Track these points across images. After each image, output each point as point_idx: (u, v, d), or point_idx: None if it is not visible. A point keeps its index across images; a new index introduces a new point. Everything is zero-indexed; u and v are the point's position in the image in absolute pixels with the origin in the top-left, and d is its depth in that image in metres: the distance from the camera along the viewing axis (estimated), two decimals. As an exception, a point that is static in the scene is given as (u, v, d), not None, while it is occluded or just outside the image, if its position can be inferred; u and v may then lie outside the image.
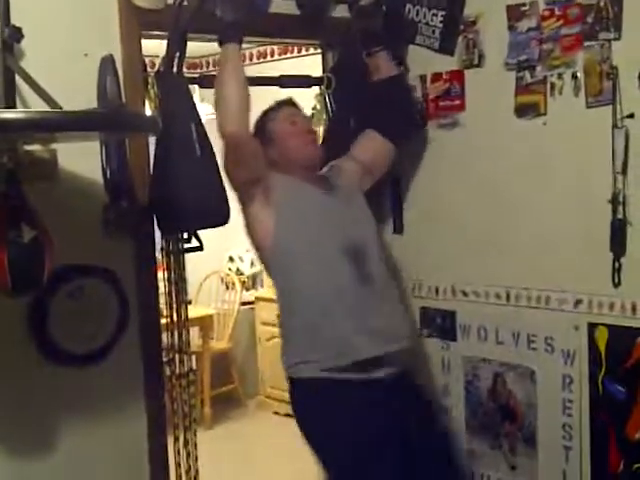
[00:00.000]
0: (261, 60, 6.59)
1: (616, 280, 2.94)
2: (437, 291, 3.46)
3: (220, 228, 2.94)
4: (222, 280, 6.97)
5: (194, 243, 3.06)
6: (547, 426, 3.16)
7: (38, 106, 2.39)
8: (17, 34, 2.54)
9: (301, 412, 2.92)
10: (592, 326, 3.00)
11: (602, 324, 2.98)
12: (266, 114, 3.10)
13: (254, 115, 2.96)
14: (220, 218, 2.91)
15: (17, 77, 2.50)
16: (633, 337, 2.91)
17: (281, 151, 3.01)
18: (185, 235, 3.06)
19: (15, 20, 2.55)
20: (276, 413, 6.28)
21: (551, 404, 3.13)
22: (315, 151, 3.09)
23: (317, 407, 2.87)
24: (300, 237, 2.90)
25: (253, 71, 3.15)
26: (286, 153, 3.01)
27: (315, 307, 2.87)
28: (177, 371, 3.14)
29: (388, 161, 3.27)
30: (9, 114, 2.10)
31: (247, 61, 6.39)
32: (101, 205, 2.78)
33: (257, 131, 3.06)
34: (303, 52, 5.92)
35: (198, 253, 3.10)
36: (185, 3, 2.81)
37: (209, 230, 2.93)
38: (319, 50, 3.82)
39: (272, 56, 6.56)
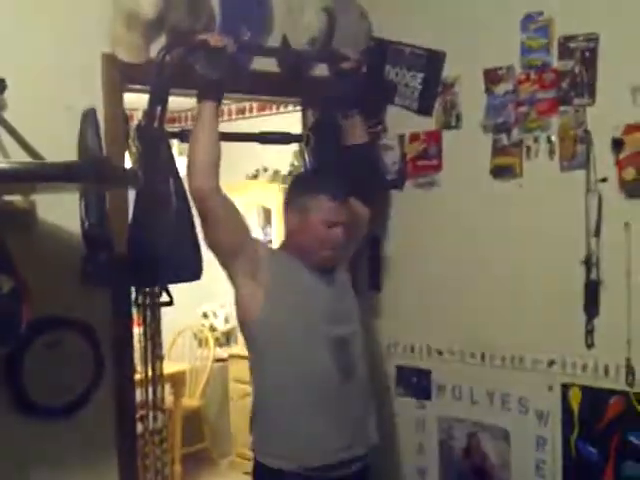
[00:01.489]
0: (240, 116, 6.63)
1: (589, 341, 2.97)
2: (412, 349, 3.47)
3: (194, 283, 2.93)
4: (195, 336, 6.91)
5: (165, 298, 3.04)
6: (521, 487, 3.16)
7: (19, 157, 2.41)
8: (0, 85, 2.55)
9: None
10: (566, 387, 3.02)
11: (575, 384, 3.00)
12: (315, 188, 2.94)
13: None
14: (192, 273, 2.90)
15: (-1, 128, 2.52)
16: (606, 398, 2.93)
17: (302, 237, 2.92)
18: (157, 289, 3.05)
19: (-2, 72, 2.57)
20: (247, 473, 6.15)
21: (525, 465, 3.14)
22: (331, 262, 2.96)
23: None
24: (285, 322, 2.85)
25: (231, 127, 3.18)
26: (304, 244, 2.92)
27: (291, 401, 2.83)
28: (150, 427, 3.10)
29: (367, 225, 3.25)
30: (-7, 164, 2.11)
31: (226, 117, 6.43)
32: (79, 257, 2.76)
33: (294, 193, 3.00)
34: (282, 109, 5.97)
35: (171, 308, 3.07)
36: (167, 58, 2.84)
37: (183, 285, 2.90)
38: (298, 107, 3.86)
39: (251, 112, 6.60)
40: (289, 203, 3.00)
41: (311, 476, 2.80)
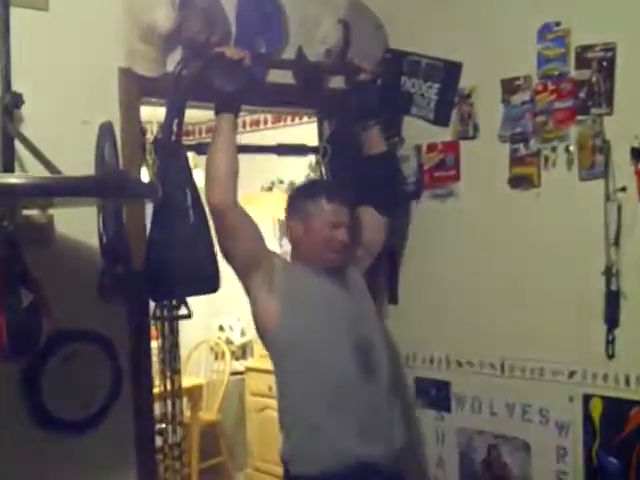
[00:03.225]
0: (254, 128, 6.65)
1: (610, 352, 2.95)
2: (432, 361, 3.46)
3: (210, 296, 2.94)
4: (212, 349, 6.91)
5: (183, 311, 3.04)
6: (542, 499, 3.13)
7: (36, 171, 2.41)
8: (18, 100, 2.56)
9: None
10: (587, 397, 3.00)
11: (596, 395, 2.98)
12: (314, 194, 3.01)
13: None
14: (210, 286, 2.90)
15: (16, 142, 2.52)
16: (627, 409, 2.91)
17: (307, 243, 2.97)
18: (175, 302, 3.05)
19: (16, 86, 2.57)
20: (264, 486, 6.19)
21: (546, 476, 3.12)
22: (338, 261, 2.99)
23: None
24: (306, 330, 2.86)
25: (246, 139, 3.18)
26: (310, 249, 2.97)
27: (317, 405, 2.83)
28: (169, 441, 3.10)
29: (384, 235, 3.26)
30: (12, 179, 2.11)
31: (240, 129, 6.44)
32: (97, 270, 2.77)
33: (295, 202, 3.04)
34: (297, 121, 5.98)
35: (187, 321, 3.08)
36: (184, 72, 2.85)
37: (199, 298, 2.91)
38: (313, 119, 3.87)
39: (265, 124, 6.62)
40: (291, 213, 3.04)
41: (342, 476, 2.78)
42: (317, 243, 2.94)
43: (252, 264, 2.84)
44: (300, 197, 3.05)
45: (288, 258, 3.11)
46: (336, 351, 2.85)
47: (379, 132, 3.30)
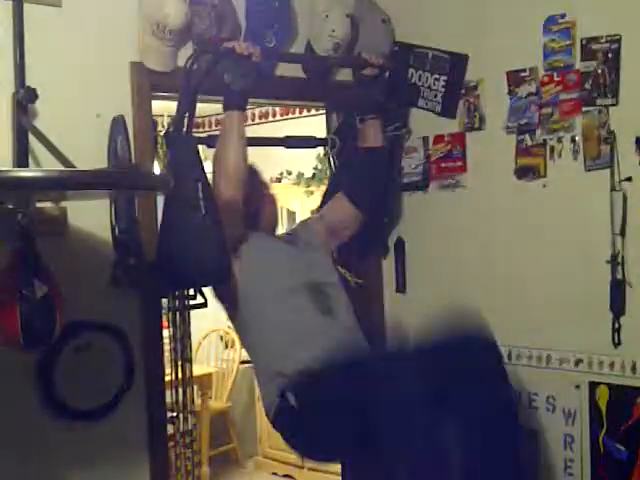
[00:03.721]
0: (263, 120, 6.68)
1: (616, 340, 2.98)
2: (439, 350, 3.49)
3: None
4: (221, 338, 6.95)
5: (198, 300, 3.09)
6: (549, 486, 3.17)
7: (49, 165, 2.45)
8: (31, 95, 2.60)
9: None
10: (593, 385, 3.03)
11: (603, 383, 3.01)
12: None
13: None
14: (222, 276, 2.93)
15: (30, 136, 2.57)
16: (633, 396, 2.94)
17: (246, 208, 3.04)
18: (190, 292, 3.10)
19: (29, 81, 2.62)
20: (274, 474, 6.24)
21: (553, 464, 3.14)
22: (271, 219, 3.20)
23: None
24: (264, 283, 2.93)
25: (255, 131, 3.21)
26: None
27: (279, 341, 2.87)
28: (181, 428, 3.14)
29: (354, 226, 3.30)
30: (27, 172, 2.15)
31: (249, 121, 6.48)
32: (109, 262, 2.82)
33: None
34: (305, 113, 6.01)
35: (197, 311, 3.13)
36: (195, 67, 2.88)
37: (209, 288, 2.98)
38: (321, 111, 3.90)
39: (274, 116, 6.65)
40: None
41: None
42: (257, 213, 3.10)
43: (235, 242, 2.92)
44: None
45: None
46: (291, 294, 2.91)
47: (378, 127, 3.33)
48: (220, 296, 3.03)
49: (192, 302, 3.12)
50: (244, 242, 2.98)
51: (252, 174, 3.10)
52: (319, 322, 2.89)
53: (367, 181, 3.33)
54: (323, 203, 3.44)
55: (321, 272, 3.09)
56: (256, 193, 3.10)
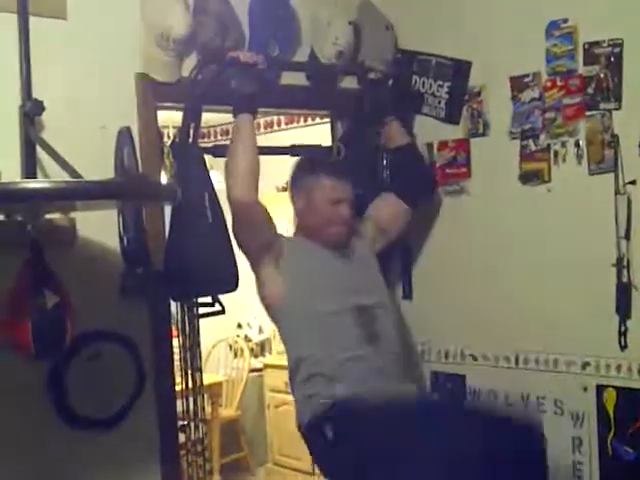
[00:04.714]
0: (268, 130, 6.69)
1: (622, 343, 2.98)
2: (447, 355, 3.50)
3: (228, 295, 3.00)
4: (230, 347, 6.97)
5: (212, 308, 3.10)
6: (558, 489, 3.17)
7: (57, 176, 2.47)
8: (38, 107, 2.62)
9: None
10: (600, 388, 3.04)
11: (610, 386, 3.02)
12: (314, 169, 3.10)
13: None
14: (230, 285, 2.95)
15: (38, 148, 2.59)
16: (641, 399, 2.95)
17: (309, 218, 3.07)
18: (204, 300, 3.11)
19: (36, 94, 2.64)
20: (284, 481, 6.26)
21: (562, 466, 3.14)
22: (341, 237, 3.07)
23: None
24: (307, 298, 2.93)
25: (260, 141, 3.20)
26: (313, 224, 3.06)
27: (319, 364, 2.87)
28: (192, 437, 3.15)
29: (403, 222, 3.33)
30: (35, 184, 2.18)
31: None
32: (118, 272, 2.83)
33: (297, 177, 3.13)
34: (309, 122, 6.02)
35: (206, 320, 3.14)
36: (200, 77, 2.90)
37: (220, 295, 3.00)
38: (325, 120, 3.92)
39: (279, 126, 6.67)
40: (293, 187, 3.12)
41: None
42: (318, 218, 3.03)
43: (264, 249, 2.93)
44: (302, 172, 3.13)
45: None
46: (337, 317, 2.90)
47: (399, 126, 3.38)
48: (261, 297, 3.03)
49: (207, 310, 3.12)
50: (283, 245, 2.98)
51: (323, 175, 3.06)
52: (363, 351, 2.89)
53: (412, 176, 3.38)
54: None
55: (371, 292, 3.06)
56: (323, 197, 3.03)
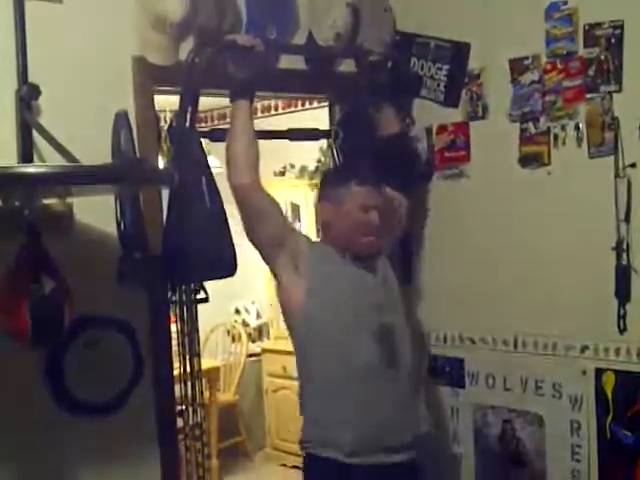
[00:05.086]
0: (266, 114, 6.68)
1: (621, 326, 2.99)
2: (445, 339, 3.51)
3: (226, 280, 2.97)
4: (228, 332, 6.97)
5: (201, 295, 3.09)
6: (556, 472, 3.18)
7: (54, 160, 2.45)
8: (34, 91, 2.61)
9: None
10: (599, 371, 3.04)
11: (609, 369, 3.02)
12: (345, 177, 2.97)
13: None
14: (227, 270, 2.94)
15: (34, 133, 2.58)
16: (639, 382, 2.94)
17: (339, 227, 2.94)
18: (193, 286, 3.10)
19: (32, 78, 2.62)
20: (283, 465, 6.26)
21: (560, 450, 3.15)
22: (372, 248, 2.97)
23: None
24: (328, 311, 2.85)
25: (258, 125, 3.18)
26: (343, 234, 2.93)
27: (339, 389, 2.83)
28: (190, 421, 3.15)
29: (404, 215, 3.26)
30: (32, 169, 2.17)
31: (252, 115, 6.47)
32: (116, 257, 2.82)
33: (327, 187, 3.03)
34: (307, 105, 6.01)
35: (204, 305, 3.13)
36: (197, 60, 2.88)
37: (216, 282, 2.96)
38: (323, 103, 3.90)
39: (276, 110, 6.65)
40: (322, 196, 3.03)
41: (368, 465, 2.78)
42: (350, 227, 2.90)
43: (277, 244, 2.84)
44: (331, 182, 3.04)
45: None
46: (357, 335, 2.84)
47: (392, 112, 3.35)
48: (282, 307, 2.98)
49: (197, 297, 3.12)
50: (302, 244, 2.92)
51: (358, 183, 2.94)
52: (381, 376, 2.84)
53: (404, 165, 3.33)
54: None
55: (392, 312, 2.97)
56: (355, 202, 2.92)
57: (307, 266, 2.86)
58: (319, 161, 6.02)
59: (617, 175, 2.95)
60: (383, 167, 3.14)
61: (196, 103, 2.91)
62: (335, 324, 2.84)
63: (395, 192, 3.17)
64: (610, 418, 3.03)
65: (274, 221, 2.86)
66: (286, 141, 3.58)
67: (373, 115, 3.35)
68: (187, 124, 2.91)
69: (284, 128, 3.56)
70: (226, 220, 2.91)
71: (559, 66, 3.09)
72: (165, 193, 2.93)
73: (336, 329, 2.84)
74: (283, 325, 3.25)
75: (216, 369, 6.41)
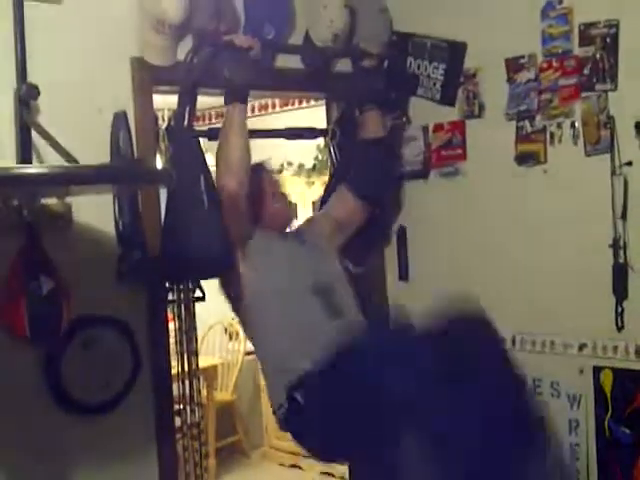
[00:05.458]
0: (263, 112, 6.68)
1: (619, 323, 2.99)
2: (443, 337, 3.50)
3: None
4: (226, 330, 6.96)
5: (198, 294, 3.12)
6: (555, 470, 3.19)
7: (52, 160, 2.46)
8: (33, 91, 2.61)
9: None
10: (597, 369, 3.05)
11: (607, 367, 3.03)
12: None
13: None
14: (224, 268, 2.95)
15: (33, 132, 2.58)
16: (637, 380, 2.96)
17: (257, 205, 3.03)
18: (191, 285, 3.11)
19: (31, 78, 2.63)
20: (281, 464, 6.25)
21: (558, 448, 3.15)
22: (283, 218, 3.15)
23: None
24: (271, 283, 2.91)
25: (254, 123, 3.20)
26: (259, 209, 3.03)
27: (285, 346, 2.86)
28: (188, 420, 3.16)
29: (359, 219, 3.29)
30: (30, 169, 2.17)
31: (249, 113, 6.45)
32: (114, 256, 2.83)
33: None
34: (304, 104, 6.01)
35: (202, 303, 3.14)
36: (195, 60, 2.89)
37: (213, 280, 2.99)
38: (320, 102, 3.91)
39: (273, 108, 6.65)
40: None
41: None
42: (260, 197, 3.02)
43: (243, 239, 2.90)
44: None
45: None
46: (299, 296, 2.89)
47: (378, 117, 3.36)
48: (227, 292, 3.02)
49: (194, 295, 3.13)
50: (250, 240, 2.96)
51: (262, 172, 3.08)
52: (328, 326, 2.86)
53: (370, 173, 3.33)
54: (326, 195, 3.44)
55: (328, 272, 3.05)
56: (264, 191, 3.05)
57: (252, 250, 2.92)
58: (316, 159, 6.02)
59: (613, 173, 2.97)
60: (354, 168, 3.28)
61: (194, 102, 2.91)
62: (275, 291, 2.89)
63: (349, 194, 3.26)
64: (609, 416, 3.04)
65: (245, 223, 2.91)
66: (283, 139, 3.59)
67: (358, 117, 3.37)
68: (185, 123, 2.91)
69: (281, 126, 3.57)
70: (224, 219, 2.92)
71: (555, 65, 3.10)
72: (163, 192, 2.94)
73: (276, 294, 2.89)
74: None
75: (214, 367, 6.39)
